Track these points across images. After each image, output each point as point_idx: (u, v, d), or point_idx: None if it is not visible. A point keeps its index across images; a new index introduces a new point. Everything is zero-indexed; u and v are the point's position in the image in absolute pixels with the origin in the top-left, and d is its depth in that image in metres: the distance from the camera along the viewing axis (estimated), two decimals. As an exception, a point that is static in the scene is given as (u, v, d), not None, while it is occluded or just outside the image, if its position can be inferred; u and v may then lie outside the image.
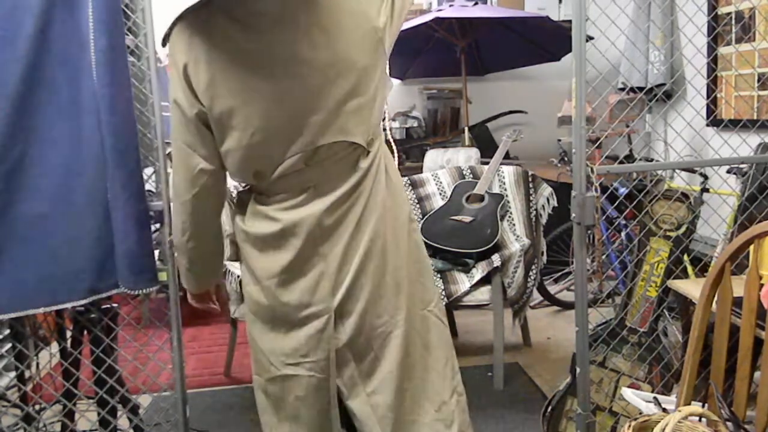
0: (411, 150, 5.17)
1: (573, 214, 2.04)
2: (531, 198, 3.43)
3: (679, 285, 2.33)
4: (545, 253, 3.47)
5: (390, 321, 1.68)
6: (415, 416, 1.71)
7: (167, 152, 1.99)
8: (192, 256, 1.70)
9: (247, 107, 1.51)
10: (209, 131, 1.56)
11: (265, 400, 1.75)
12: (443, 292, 3.08)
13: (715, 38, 3.84)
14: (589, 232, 3.92)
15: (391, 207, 1.69)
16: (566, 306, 4.27)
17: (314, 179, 1.59)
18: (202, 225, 1.66)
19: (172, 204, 1.74)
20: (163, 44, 1.60)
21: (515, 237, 3.37)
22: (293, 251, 1.61)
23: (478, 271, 3.12)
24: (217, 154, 1.59)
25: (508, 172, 3.50)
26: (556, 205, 3.42)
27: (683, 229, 2.30)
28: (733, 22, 3.78)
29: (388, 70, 1.67)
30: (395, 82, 5.23)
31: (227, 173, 1.66)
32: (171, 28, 1.56)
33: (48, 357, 2.47)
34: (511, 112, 5.39)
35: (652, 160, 4.52)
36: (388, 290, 1.68)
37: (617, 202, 3.52)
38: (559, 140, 4.46)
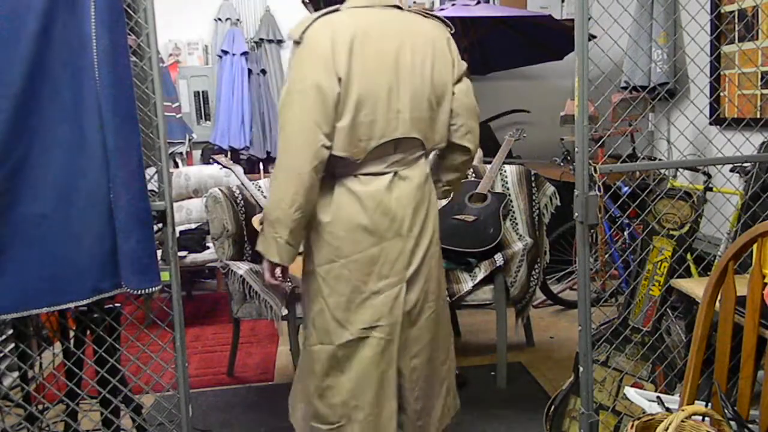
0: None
1: (576, 213, 2.04)
2: (534, 197, 3.43)
3: (682, 284, 2.32)
4: (548, 252, 3.46)
5: (436, 301, 2.13)
6: (435, 375, 2.18)
7: (169, 152, 2.01)
8: (293, 228, 1.93)
9: (367, 94, 1.90)
10: (335, 112, 1.88)
11: (328, 363, 2.04)
12: (446, 292, 3.07)
13: (718, 36, 3.84)
14: (592, 231, 3.92)
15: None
16: (569, 305, 4.27)
17: (396, 166, 2.01)
18: (310, 197, 1.93)
19: (279, 178, 1.93)
20: (299, 38, 1.90)
21: (518, 236, 3.37)
22: (380, 227, 1.98)
23: (481, 271, 3.12)
24: (333, 133, 1.90)
25: (511, 171, 3.50)
26: (558, 204, 3.41)
27: (686, 228, 2.30)
28: (736, 20, 3.78)
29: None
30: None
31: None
32: (310, 24, 1.90)
33: (51, 357, 2.47)
34: (513, 111, 5.39)
35: (655, 158, 4.51)
36: (435, 276, 2.13)
37: (620, 201, 3.51)
38: (562, 139, 4.46)
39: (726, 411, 1.66)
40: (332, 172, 1.98)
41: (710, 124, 3.93)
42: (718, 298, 1.78)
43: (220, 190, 3.27)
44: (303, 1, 2.25)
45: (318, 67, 1.87)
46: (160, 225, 2.08)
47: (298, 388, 2.18)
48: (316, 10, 2.05)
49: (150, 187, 2.01)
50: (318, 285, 2.03)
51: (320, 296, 2.03)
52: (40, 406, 2.40)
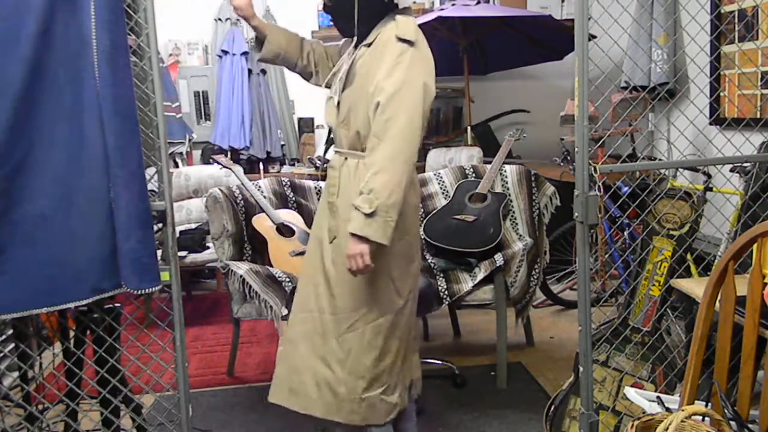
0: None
1: (576, 213, 2.04)
2: (534, 197, 3.43)
3: (682, 284, 2.32)
4: (548, 253, 3.46)
5: None
6: None
7: (169, 152, 2.00)
8: (399, 210, 2.05)
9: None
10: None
11: (388, 332, 2.19)
12: (446, 292, 3.08)
13: (718, 37, 3.84)
14: (592, 231, 3.92)
15: None
16: (569, 305, 4.27)
17: None
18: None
19: (398, 165, 2.03)
20: (414, 39, 2.06)
21: (518, 236, 3.37)
22: (417, 206, 2.28)
23: (481, 271, 3.12)
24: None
25: (511, 171, 3.50)
26: (558, 204, 3.41)
27: (686, 228, 2.30)
28: (737, 20, 3.78)
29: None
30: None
31: None
32: (416, 26, 2.08)
33: (51, 357, 2.47)
34: (513, 111, 5.39)
35: (655, 159, 4.51)
36: None
37: (620, 201, 3.52)
38: (562, 139, 4.46)
39: (726, 411, 1.66)
40: None
41: (710, 124, 3.93)
42: (718, 298, 1.78)
43: (220, 190, 3.27)
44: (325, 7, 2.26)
45: (429, 70, 2.10)
46: (160, 225, 2.08)
47: (341, 372, 2.20)
48: (340, 16, 2.20)
49: (150, 187, 2.01)
50: (387, 262, 2.16)
51: (387, 273, 2.18)
52: (40, 406, 2.40)
